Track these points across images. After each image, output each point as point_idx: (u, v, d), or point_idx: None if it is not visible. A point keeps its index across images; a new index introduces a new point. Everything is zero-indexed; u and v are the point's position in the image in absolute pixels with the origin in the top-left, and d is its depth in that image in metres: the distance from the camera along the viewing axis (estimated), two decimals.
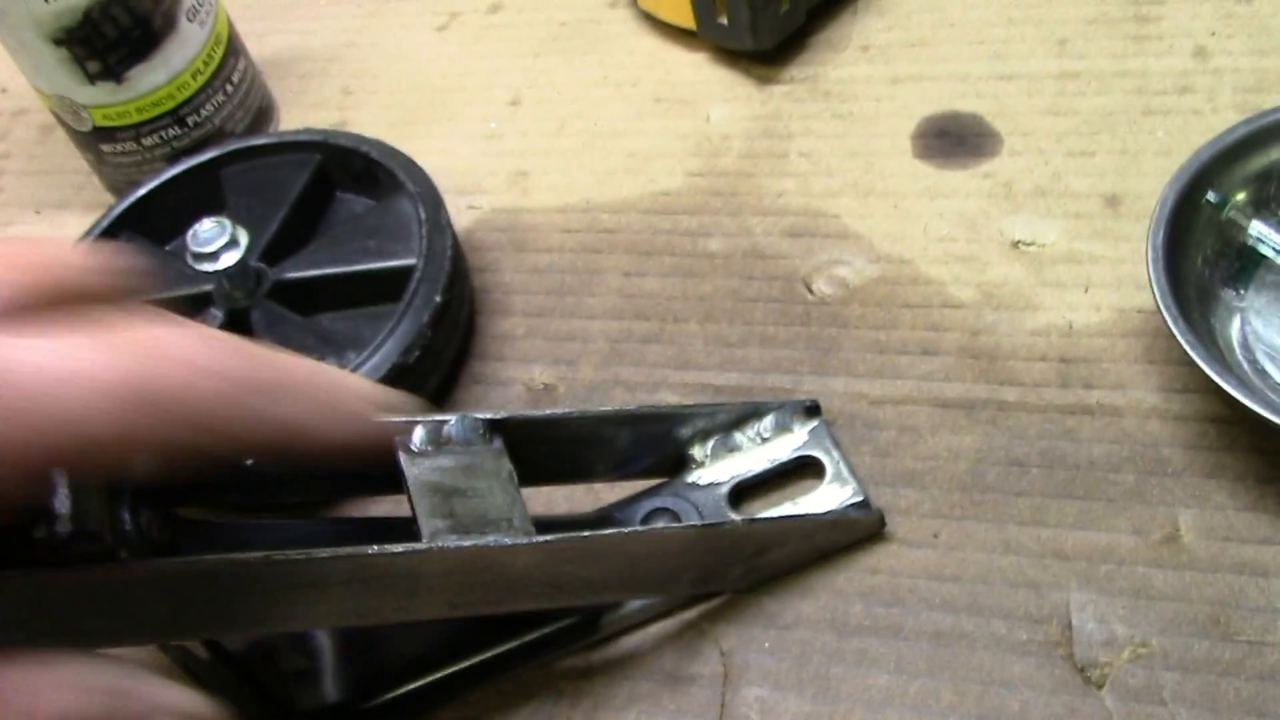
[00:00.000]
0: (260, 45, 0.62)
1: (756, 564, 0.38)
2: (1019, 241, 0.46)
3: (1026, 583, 0.38)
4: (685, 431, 0.40)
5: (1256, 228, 0.40)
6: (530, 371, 0.47)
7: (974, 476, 0.40)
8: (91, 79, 0.52)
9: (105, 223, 0.50)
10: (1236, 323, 0.40)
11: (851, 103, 0.52)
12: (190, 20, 0.53)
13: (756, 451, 0.40)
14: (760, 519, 0.39)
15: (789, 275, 0.47)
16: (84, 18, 0.50)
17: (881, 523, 0.39)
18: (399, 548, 0.30)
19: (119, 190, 0.57)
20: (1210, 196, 0.39)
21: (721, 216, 0.50)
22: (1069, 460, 0.40)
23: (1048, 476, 0.40)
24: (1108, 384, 0.41)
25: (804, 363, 0.44)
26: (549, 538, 0.32)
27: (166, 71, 0.53)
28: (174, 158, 0.54)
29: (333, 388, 0.29)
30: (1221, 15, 0.51)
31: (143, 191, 0.51)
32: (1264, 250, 0.39)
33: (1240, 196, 0.41)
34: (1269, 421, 0.34)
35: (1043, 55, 0.52)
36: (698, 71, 0.56)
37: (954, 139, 0.50)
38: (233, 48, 0.56)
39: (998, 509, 0.39)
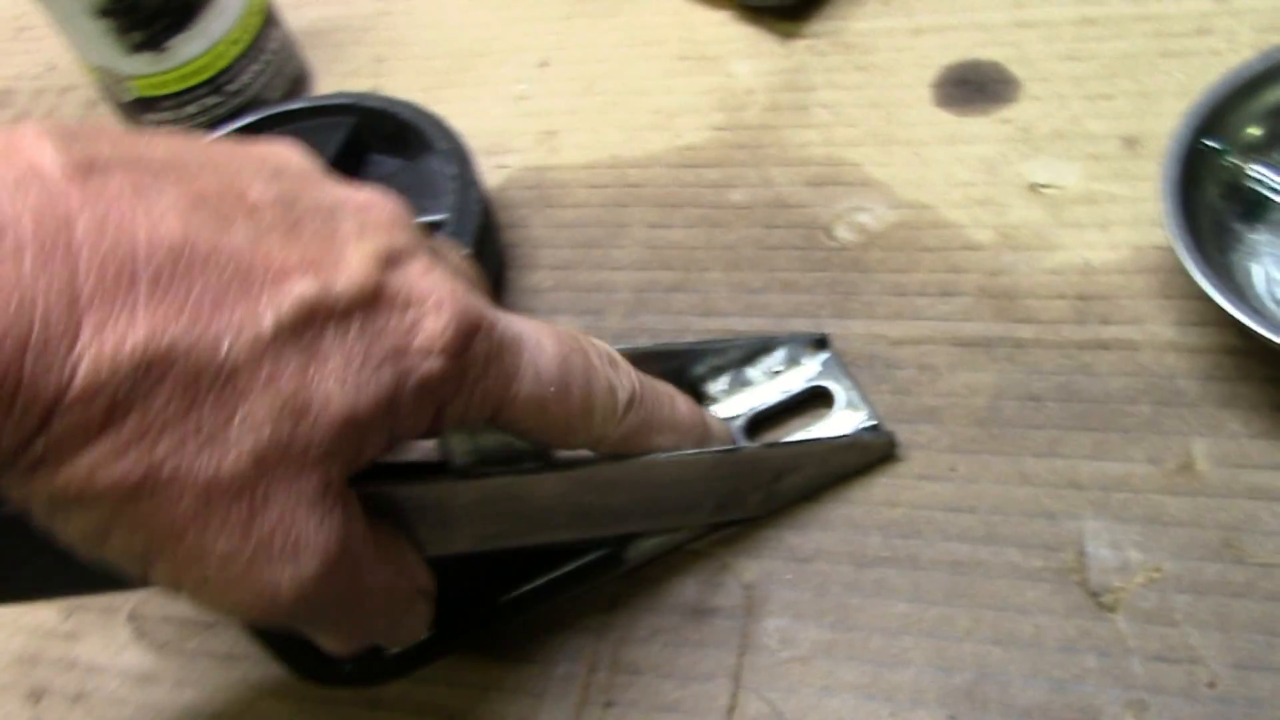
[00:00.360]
0: (296, 16, 0.63)
1: (775, 489, 0.39)
2: (1037, 184, 0.46)
3: (1042, 512, 0.38)
4: (699, 368, 0.41)
5: (1257, 170, 0.40)
6: (558, 322, 0.48)
7: (991, 412, 0.41)
8: (133, 50, 0.54)
9: None
10: (1252, 258, 0.41)
11: (873, 54, 0.53)
12: None
13: (769, 385, 0.41)
14: (775, 443, 0.40)
15: (810, 223, 0.48)
16: None
17: (893, 445, 0.40)
18: (430, 479, 0.32)
19: None
20: (1211, 141, 0.40)
21: (745, 168, 0.50)
22: (1085, 394, 0.40)
23: (1064, 410, 0.40)
24: (1124, 319, 0.42)
25: (825, 307, 0.45)
26: (572, 467, 0.34)
27: (205, 41, 0.55)
28: (213, 125, 0.56)
29: (697, 426, 0.38)
30: None
31: None
32: (1266, 192, 0.40)
33: (1252, 131, 0.41)
34: (1267, 349, 0.35)
35: (1061, 2, 0.52)
36: (721, 29, 0.56)
37: (974, 86, 0.50)
38: (269, 17, 0.58)
39: (1014, 442, 0.40)
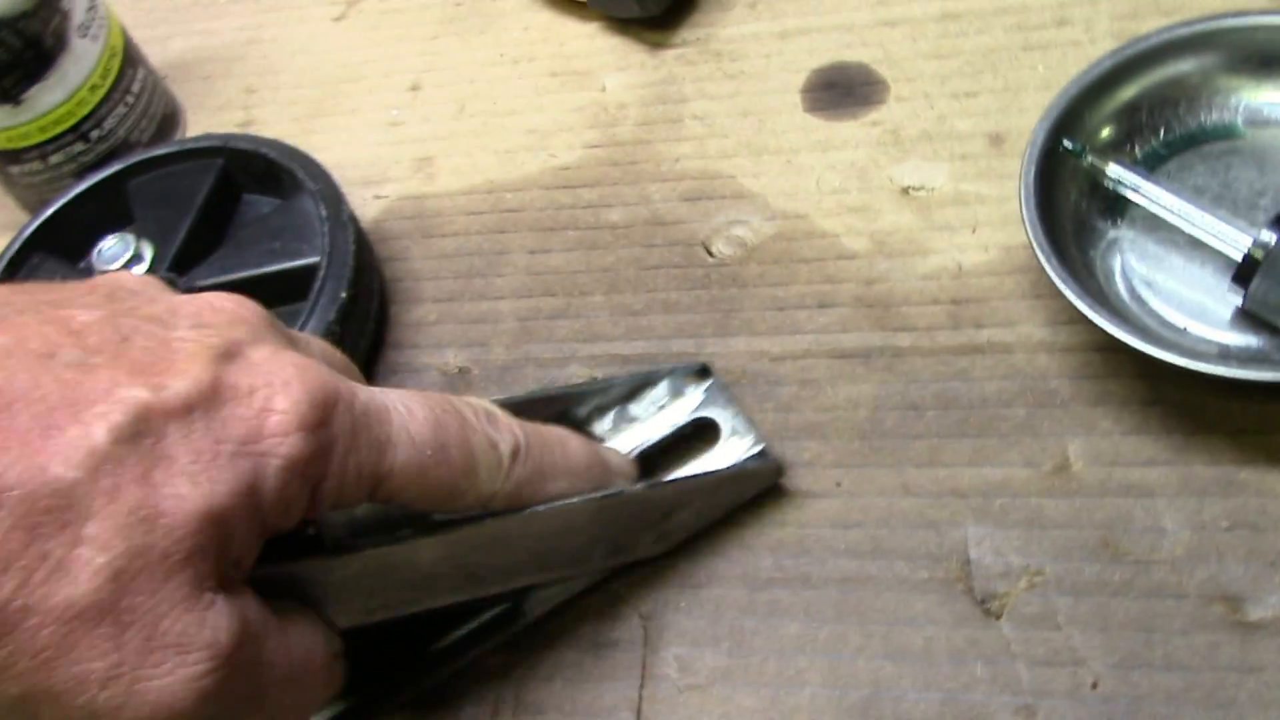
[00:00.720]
0: (162, 49, 0.62)
1: (666, 528, 0.39)
2: (908, 187, 0.47)
3: (926, 523, 0.39)
4: (581, 410, 0.41)
5: (1115, 170, 0.40)
6: (444, 356, 0.48)
7: (873, 424, 0.41)
8: None
9: (15, 246, 0.51)
10: (1114, 253, 0.41)
11: (742, 61, 0.53)
12: (82, 36, 0.53)
13: (655, 419, 0.41)
14: (658, 482, 0.40)
15: (689, 240, 0.48)
16: None
17: (780, 471, 0.40)
18: (300, 558, 0.31)
19: (33, 208, 0.57)
20: (1067, 144, 0.40)
21: (621, 186, 0.50)
22: (963, 400, 0.41)
23: (943, 417, 0.41)
24: (997, 321, 0.42)
25: (707, 325, 0.45)
26: (449, 528, 0.33)
27: (64, 89, 0.53)
28: (82, 172, 0.55)
29: (594, 466, 0.37)
30: None
31: (50, 211, 0.51)
32: (1124, 192, 0.40)
33: (1106, 132, 0.42)
34: (1131, 347, 0.36)
35: None
36: (591, 42, 0.56)
37: (842, 90, 0.50)
38: (129, 57, 0.56)
39: (896, 453, 0.41)
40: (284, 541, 0.30)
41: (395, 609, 0.34)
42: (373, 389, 0.31)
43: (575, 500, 0.36)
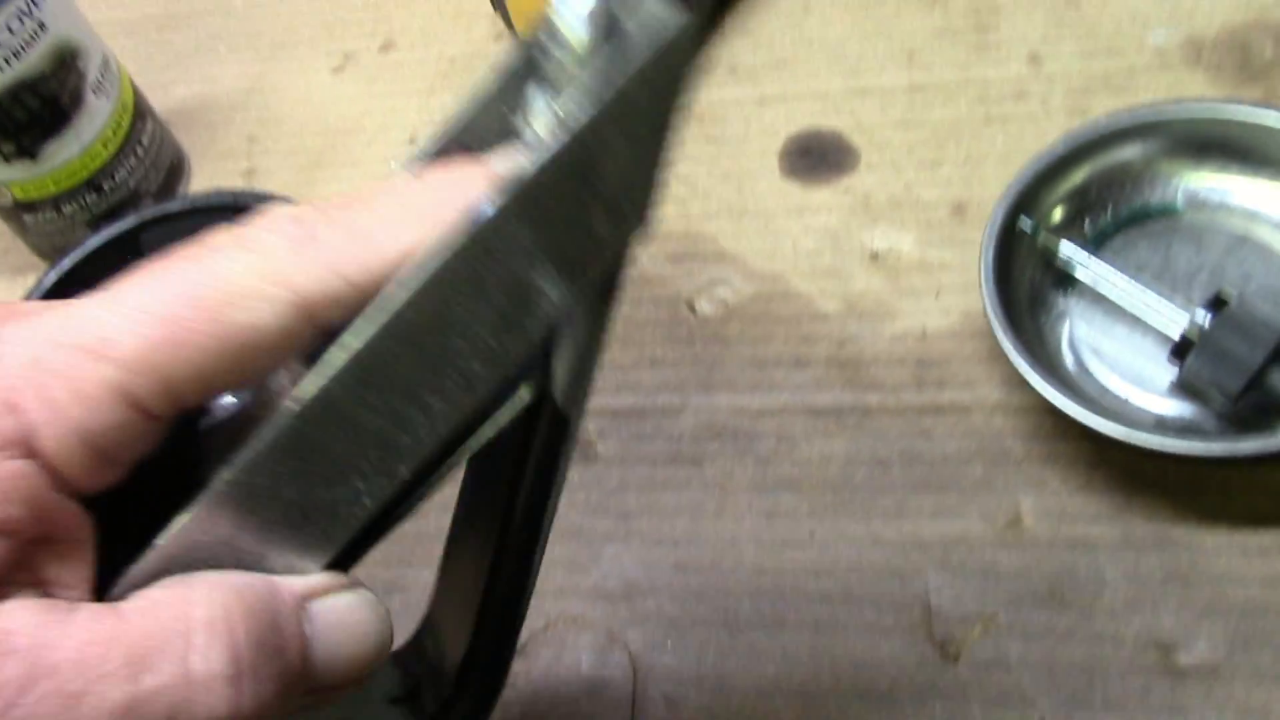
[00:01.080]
0: (165, 95, 0.65)
1: (603, 191, 0.25)
2: (877, 252, 0.51)
3: (892, 571, 0.43)
4: None
5: (1066, 249, 0.44)
6: None
7: (844, 478, 0.45)
8: (7, 159, 0.55)
9: (36, 298, 0.53)
10: (1064, 322, 0.45)
11: (722, 125, 0.56)
12: (96, 94, 0.56)
13: None
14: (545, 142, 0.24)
15: (674, 298, 0.51)
16: None
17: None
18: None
19: (45, 253, 0.60)
20: (1023, 225, 0.44)
21: None
22: (925, 457, 0.45)
23: (908, 473, 0.45)
24: (958, 383, 0.46)
25: (690, 381, 0.49)
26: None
27: (79, 144, 0.56)
28: (95, 222, 0.58)
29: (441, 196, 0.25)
30: (1053, 21, 0.55)
31: (66, 266, 0.54)
32: (1074, 270, 0.44)
33: (1059, 210, 0.46)
34: (1070, 416, 0.40)
35: (894, 69, 0.56)
36: None
37: (817, 156, 0.54)
38: (139, 111, 0.59)
39: (865, 506, 0.44)
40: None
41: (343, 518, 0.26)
42: None
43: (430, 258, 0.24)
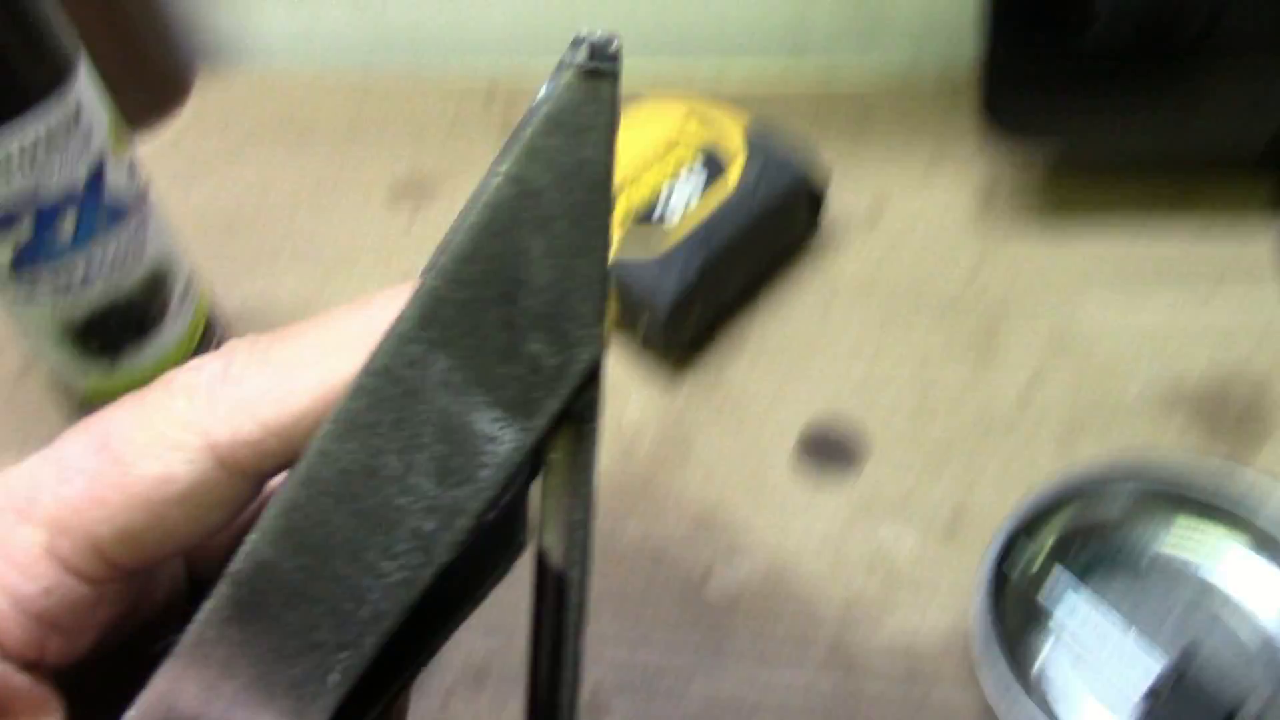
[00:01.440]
0: (227, 295, 0.70)
1: (520, 312, 0.23)
2: (880, 549, 0.56)
3: None
4: None
5: (1045, 594, 0.50)
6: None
7: None
8: (89, 364, 0.59)
9: None
10: (1046, 639, 0.50)
11: (742, 411, 0.62)
12: (180, 304, 0.61)
13: None
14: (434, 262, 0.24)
15: (687, 574, 0.56)
16: (88, 318, 0.57)
17: None
18: None
19: None
20: (1008, 571, 0.50)
21: (629, 516, 0.58)
22: None
23: None
24: (947, 683, 0.51)
25: (697, 666, 0.53)
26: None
27: (156, 354, 0.61)
28: None
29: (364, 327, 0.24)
30: (1053, 351, 0.61)
31: None
32: (1053, 613, 0.50)
33: (1045, 549, 0.51)
34: None
35: (908, 371, 0.62)
36: (615, 363, 0.65)
37: (829, 449, 0.59)
38: (210, 319, 0.64)
39: None
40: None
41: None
42: None
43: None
